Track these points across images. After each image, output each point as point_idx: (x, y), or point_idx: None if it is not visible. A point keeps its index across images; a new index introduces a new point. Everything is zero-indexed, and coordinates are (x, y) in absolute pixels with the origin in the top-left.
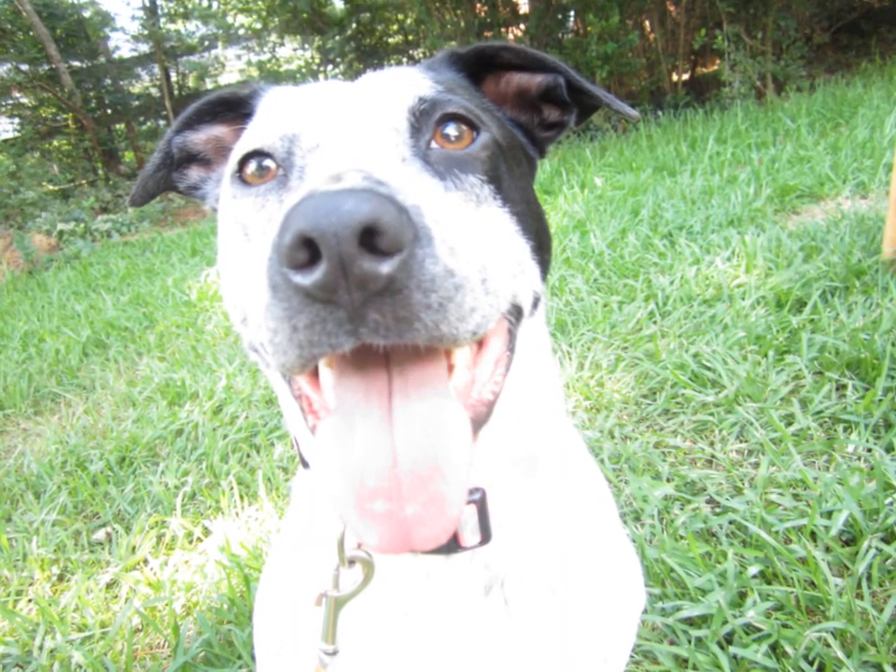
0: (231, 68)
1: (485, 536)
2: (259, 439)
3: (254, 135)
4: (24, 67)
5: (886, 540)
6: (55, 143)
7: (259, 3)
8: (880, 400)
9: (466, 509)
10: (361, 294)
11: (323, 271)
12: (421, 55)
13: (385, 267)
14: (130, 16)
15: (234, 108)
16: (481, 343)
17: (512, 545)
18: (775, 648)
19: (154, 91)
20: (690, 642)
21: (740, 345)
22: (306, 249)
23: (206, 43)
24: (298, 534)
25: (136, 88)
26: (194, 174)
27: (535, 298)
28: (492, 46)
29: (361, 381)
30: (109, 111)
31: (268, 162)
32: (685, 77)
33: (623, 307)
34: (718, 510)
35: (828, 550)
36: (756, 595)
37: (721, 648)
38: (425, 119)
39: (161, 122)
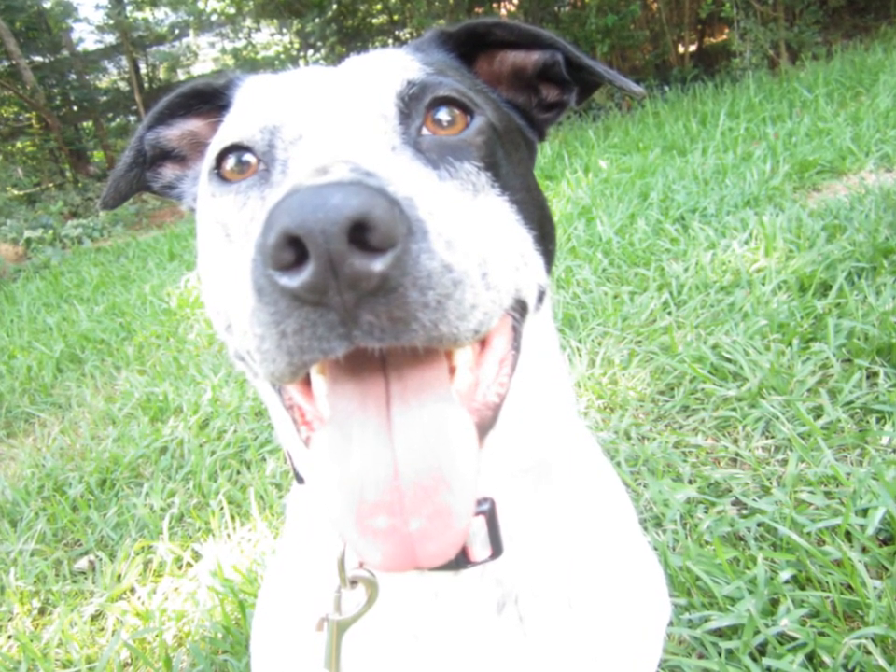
0: (205, 57)
1: (496, 549)
2: (250, 454)
3: (232, 128)
4: None
5: None
6: (18, 144)
7: None
8: None
9: (474, 521)
10: (353, 294)
11: (311, 271)
12: (408, 36)
13: (378, 264)
14: (94, 5)
15: (209, 100)
16: (483, 343)
17: (526, 558)
18: (811, 657)
19: (123, 85)
20: (720, 655)
21: (762, 334)
22: (292, 249)
23: (177, 31)
24: (295, 554)
25: (104, 82)
26: (169, 172)
27: (540, 291)
28: (483, 23)
29: (357, 388)
30: (75, 108)
31: (248, 157)
32: (692, 48)
33: (634, 298)
34: (745, 511)
35: (864, 550)
36: (789, 602)
37: (754, 660)
38: (414, 104)
39: (132, 118)
